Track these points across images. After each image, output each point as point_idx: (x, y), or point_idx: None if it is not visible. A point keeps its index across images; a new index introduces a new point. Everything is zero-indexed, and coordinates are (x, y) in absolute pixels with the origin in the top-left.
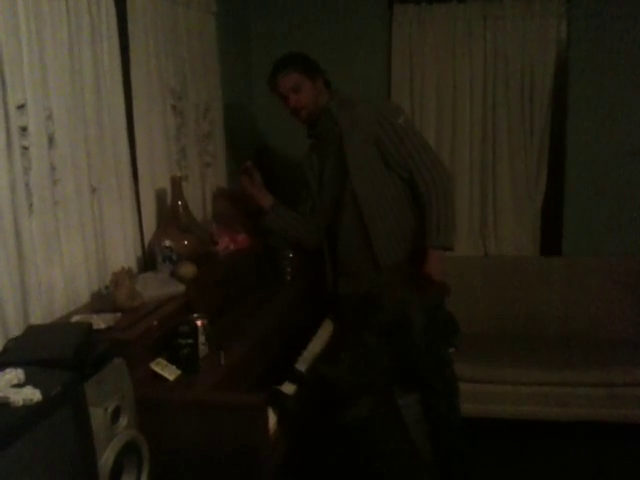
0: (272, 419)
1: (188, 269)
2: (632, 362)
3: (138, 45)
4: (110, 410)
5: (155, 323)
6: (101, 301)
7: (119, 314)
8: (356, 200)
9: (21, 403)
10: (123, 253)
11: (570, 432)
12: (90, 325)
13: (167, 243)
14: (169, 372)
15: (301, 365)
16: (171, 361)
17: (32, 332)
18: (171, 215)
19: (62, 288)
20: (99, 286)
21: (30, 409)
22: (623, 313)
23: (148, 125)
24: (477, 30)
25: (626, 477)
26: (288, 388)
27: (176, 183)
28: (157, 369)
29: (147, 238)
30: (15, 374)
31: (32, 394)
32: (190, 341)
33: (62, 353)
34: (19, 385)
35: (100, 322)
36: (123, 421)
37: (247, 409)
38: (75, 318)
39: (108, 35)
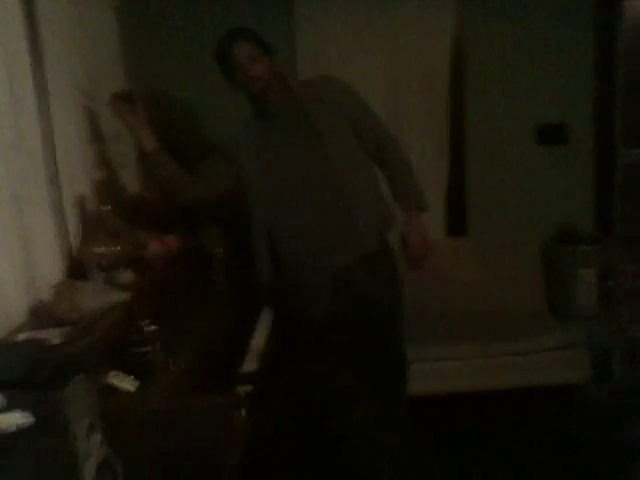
0: (239, 421)
1: (127, 276)
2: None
3: (49, 46)
4: (85, 427)
5: (103, 334)
6: (40, 316)
7: (68, 328)
8: (335, 176)
9: (15, 429)
10: (50, 264)
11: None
12: (45, 342)
13: (97, 250)
14: (128, 383)
15: (249, 366)
16: (128, 372)
17: None
18: (97, 221)
19: None
20: (31, 300)
21: (20, 434)
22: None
23: (64, 128)
24: (375, 22)
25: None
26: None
27: (98, 187)
28: (115, 382)
29: (75, 246)
30: None
31: (24, 417)
32: (145, 349)
33: (21, 373)
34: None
35: (52, 338)
36: (97, 438)
37: (212, 412)
38: (21, 336)
39: (16, 40)
